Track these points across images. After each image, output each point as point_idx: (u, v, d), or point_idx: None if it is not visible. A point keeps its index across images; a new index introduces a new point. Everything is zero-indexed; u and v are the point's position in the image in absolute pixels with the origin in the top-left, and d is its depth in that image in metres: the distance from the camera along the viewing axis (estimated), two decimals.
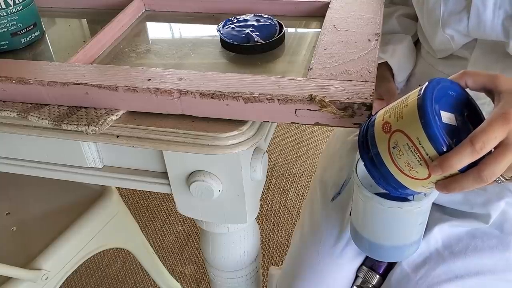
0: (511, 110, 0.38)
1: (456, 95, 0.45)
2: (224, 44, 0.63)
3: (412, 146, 0.41)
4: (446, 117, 0.42)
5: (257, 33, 0.62)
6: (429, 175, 0.42)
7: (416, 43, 0.73)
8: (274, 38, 0.61)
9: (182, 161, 0.56)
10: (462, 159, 0.38)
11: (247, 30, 0.62)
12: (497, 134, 0.38)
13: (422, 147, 0.40)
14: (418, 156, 0.41)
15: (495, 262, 0.64)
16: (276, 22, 0.64)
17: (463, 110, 0.45)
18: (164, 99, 0.51)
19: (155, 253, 1.17)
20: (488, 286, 0.64)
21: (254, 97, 0.48)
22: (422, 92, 0.42)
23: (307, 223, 0.78)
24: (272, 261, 1.41)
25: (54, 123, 0.52)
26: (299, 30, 0.68)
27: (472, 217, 0.66)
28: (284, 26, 0.63)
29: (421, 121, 0.40)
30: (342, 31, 0.59)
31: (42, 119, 0.53)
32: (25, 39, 0.66)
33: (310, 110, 0.48)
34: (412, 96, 0.43)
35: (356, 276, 0.74)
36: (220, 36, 0.62)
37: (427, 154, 0.41)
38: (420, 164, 0.42)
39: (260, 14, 0.65)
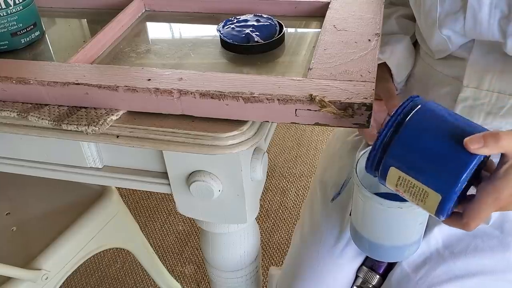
0: (503, 193, 0.43)
1: None
2: (224, 44, 0.63)
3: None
4: None
5: (257, 33, 0.62)
6: None
7: (415, 44, 0.73)
8: (274, 38, 0.61)
9: (182, 161, 0.56)
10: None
11: (247, 30, 0.62)
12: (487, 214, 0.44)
13: None
14: None
15: (496, 263, 0.64)
16: (276, 22, 0.64)
17: None
18: (164, 99, 0.51)
19: (155, 253, 1.17)
20: (488, 287, 0.64)
21: (254, 97, 0.48)
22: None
23: (307, 223, 0.78)
24: (272, 261, 1.41)
25: (54, 123, 0.52)
26: (299, 30, 0.68)
27: None
28: (284, 26, 0.63)
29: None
30: (342, 31, 0.59)
31: (42, 119, 0.53)
32: (25, 39, 0.66)
33: (310, 110, 0.48)
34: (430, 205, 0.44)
35: (356, 276, 0.74)
36: (220, 36, 0.62)
37: None
38: None
39: (260, 14, 0.65)
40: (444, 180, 0.41)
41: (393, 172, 0.44)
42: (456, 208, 0.45)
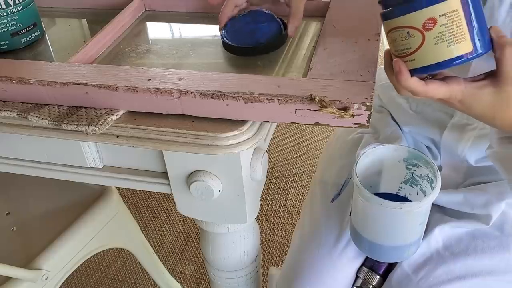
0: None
1: None
2: (225, 44, 0.63)
3: None
4: None
5: (258, 33, 0.62)
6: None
7: None
8: (275, 38, 0.61)
9: (182, 161, 0.56)
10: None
11: (248, 30, 0.62)
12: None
13: None
14: None
15: (496, 263, 0.64)
16: (280, 20, 0.64)
17: None
18: (164, 99, 0.51)
19: (155, 253, 1.17)
20: (489, 287, 0.64)
21: (254, 97, 0.48)
22: None
23: (307, 224, 0.78)
24: (272, 261, 1.41)
25: (54, 123, 0.52)
26: (299, 30, 0.68)
27: (472, 218, 0.66)
28: (285, 26, 0.63)
29: None
30: (342, 31, 0.59)
31: (42, 119, 0.53)
32: (25, 39, 0.66)
33: (310, 110, 0.48)
34: None
35: (357, 277, 0.74)
36: (221, 36, 0.62)
37: None
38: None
39: (261, 14, 0.65)
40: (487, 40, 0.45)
41: (454, 2, 0.43)
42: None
